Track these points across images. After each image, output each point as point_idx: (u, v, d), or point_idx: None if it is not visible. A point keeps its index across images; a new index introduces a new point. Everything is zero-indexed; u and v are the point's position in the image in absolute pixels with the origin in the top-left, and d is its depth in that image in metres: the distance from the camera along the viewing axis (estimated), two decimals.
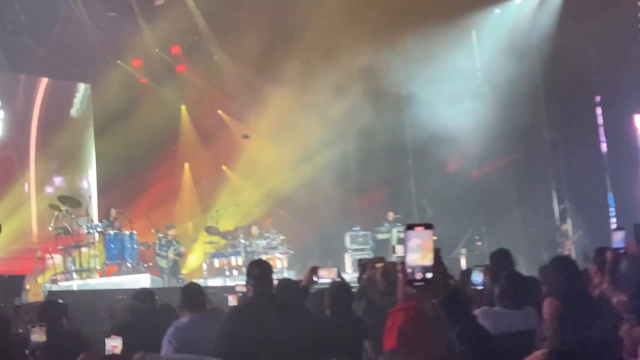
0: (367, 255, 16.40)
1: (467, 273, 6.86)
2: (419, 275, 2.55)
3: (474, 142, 17.77)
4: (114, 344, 4.41)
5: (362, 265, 6.58)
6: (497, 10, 17.86)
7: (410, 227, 2.56)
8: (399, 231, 17.05)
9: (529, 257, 15.50)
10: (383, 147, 18.26)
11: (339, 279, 6.02)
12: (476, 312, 5.09)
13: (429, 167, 17.55)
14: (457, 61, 17.34)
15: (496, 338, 4.51)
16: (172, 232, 16.81)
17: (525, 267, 12.04)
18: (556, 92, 17.00)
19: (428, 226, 2.56)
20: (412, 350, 3.80)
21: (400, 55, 17.05)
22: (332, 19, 17.22)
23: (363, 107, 17.45)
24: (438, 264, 2.59)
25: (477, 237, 17.90)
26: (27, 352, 4.19)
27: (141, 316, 6.39)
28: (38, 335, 4.19)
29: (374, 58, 17.06)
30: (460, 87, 17.22)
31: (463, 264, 15.70)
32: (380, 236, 17.40)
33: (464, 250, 17.01)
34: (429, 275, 2.55)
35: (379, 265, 6.15)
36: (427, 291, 2.63)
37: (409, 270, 2.55)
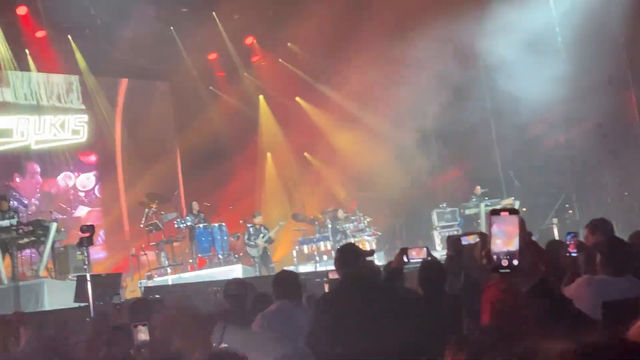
0: (456, 231, 16.20)
1: (557, 244, 6.64)
2: (504, 262, 2.44)
3: (557, 106, 17.24)
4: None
5: (451, 242, 6.45)
6: None
7: (495, 212, 2.45)
8: (486, 205, 16.75)
9: (623, 222, 14.99)
10: (464, 121, 17.91)
11: (429, 258, 5.92)
12: (579, 280, 4.93)
13: (514, 137, 17.14)
14: (534, 21, 16.78)
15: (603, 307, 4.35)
16: (258, 219, 16.93)
17: (620, 232, 11.63)
18: None
19: (513, 211, 2.44)
20: (506, 324, 3.69)
21: (477, 22, 16.62)
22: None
23: (441, 81, 17.14)
24: (527, 250, 2.48)
25: (567, 206, 17.42)
26: (131, 351, 4.25)
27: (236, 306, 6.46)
28: (142, 334, 4.24)
29: (451, 29, 16.71)
30: (538, 48, 16.68)
31: (555, 234, 15.31)
32: (468, 211, 17.11)
33: (555, 220, 16.59)
34: (515, 262, 2.43)
35: (472, 237, 6.02)
36: (514, 278, 2.52)
37: (494, 257, 2.44)
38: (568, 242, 5.86)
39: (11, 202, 14.48)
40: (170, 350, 6.09)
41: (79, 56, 19.73)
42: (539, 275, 2.52)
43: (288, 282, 5.92)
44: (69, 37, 19.32)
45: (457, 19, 16.35)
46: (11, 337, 6.42)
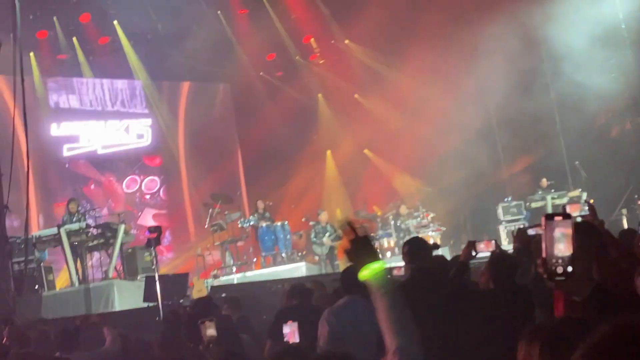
0: (522, 225, 15.95)
1: (631, 232, 6.48)
2: (559, 269, 2.37)
3: (622, 94, 16.83)
4: (289, 330, 4.46)
5: (518, 234, 6.35)
6: None
7: (548, 217, 2.38)
8: (553, 197, 16.44)
9: None
10: (527, 112, 17.60)
11: (497, 251, 5.84)
12: None
13: (579, 127, 16.79)
14: (599, 11, 16.43)
15: None
16: (323, 217, 16.94)
17: None
18: None
19: (567, 216, 2.36)
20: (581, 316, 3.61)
21: (540, 11, 16.35)
22: None
23: (503, 72, 16.89)
24: (581, 255, 2.40)
25: (636, 196, 16.96)
26: (200, 347, 4.32)
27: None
28: (210, 330, 4.30)
29: (517, 17, 16.46)
30: (604, 39, 16.32)
31: (625, 225, 14.95)
32: (534, 204, 16.81)
33: (624, 211, 16.18)
34: (569, 268, 2.36)
35: (539, 229, 5.91)
36: (568, 286, 2.44)
37: (549, 263, 2.37)
38: None
39: (80, 207, 14.80)
40: (237, 345, 6.17)
41: (138, 62, 20.04)
42: (591, 284, 2.43)
43: (354, 277, 5.90)
44: (131, 43, 19.66)
45: (524, 6, 16.13)
46: (96, 337, 6.60)
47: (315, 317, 5.99)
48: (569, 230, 2.37)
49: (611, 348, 1.44)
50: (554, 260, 2.36)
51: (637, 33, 16.07)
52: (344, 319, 5.44)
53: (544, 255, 2.37)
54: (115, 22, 18.98)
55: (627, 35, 16.66)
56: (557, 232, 2.36)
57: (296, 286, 6.85)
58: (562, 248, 2.36)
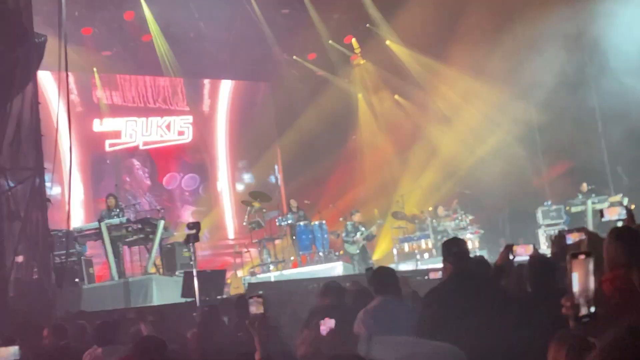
0: (562, 229, 15.77)
1: None
2: (584, 310, 2.33)
3: None
4: (328, 326, 4.48)
5: (556, 239, 6.30)
6: None
7: (573, 256, 2.33)
8: (593, 202, 16.23)
9: None
10: (569, 115, 17.40)
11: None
12: None
13: (622, 131, 16.53)
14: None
15: None
16: (357, 217, 16.98)
17: None
18: None
19: (588, 254, 2.32)
20: (619, 319, 3.57)
21: (587, 10, 16.15)
22: None
23: (546, 73, 16.72)
24: (607, 293, 2.35)
25: None
26: (246, 322, 4.40)
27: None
28: (256, 307, 4.37)
29: (552, 24, 16.33)
30: None
31: None
32: (574, 209, 16.61)
33: None
34: (592, 308, 2.32)
35: (577, 235, 5.87)
36: (592, 329, 2.38)
37: (573, 304, 2.33)
38: None
39: (120, 202, 15.00)
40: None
41: (172, 58, 20.17)
42: (624, 322, 2.37)
43: (387, 278, 5.91)
44: (171, 40, 19.83)
45: (571, 6, 15.95)
46: (134, 332, 6.68)
47: (349, 317, 6.02)
48: (590, 268, 2.32)
49: (624, 349, 1.44)
50: (580, 301, 2.32)
51: None
52: (379, 320, 5.45)
53: (573, 296, 2.33)
54: (158, 20, 19.16)
55: None
56: (581, 271, 2.32)
57: (329, 284, 6.85)
58: (586, 288, 2.31)
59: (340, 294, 6.75)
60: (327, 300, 6.66)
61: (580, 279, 2.32)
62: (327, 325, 4.41)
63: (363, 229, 16.80)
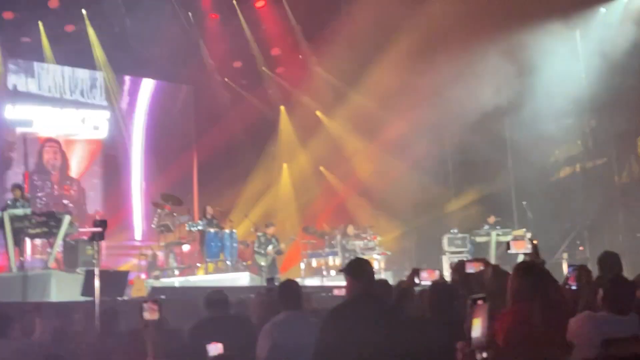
0: (465, 257, 16.13)
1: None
2: (478, 356, 2.41)
3: (575, 140, 17.27)
4: (215, 350, 4.47)
5: (456, 267, 6.47)
6: (602, 9, 17.26)
7: (473, 301, 2.40)
8: (497, 234, 16.70)
9: (632, 263, 14.92)
10: (482, 147, 17.90)
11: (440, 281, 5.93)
12: (580, 315, 4.93)
13: (529, 168, 17.12)
14: (560, 62, 16.85)
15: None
16: (271, 230, 16.98)
17: (629, 273, 11.56)
18: None
19: (484, 299, 2.40)
20: (519, 352, 3.70)
21: (500, 56, 16.70)
22: (429, 22, 17.09)
23: (462, 105, 17.16)
24: (492, 338, 2.43)
25: (578, 242, 17.32)
26: (140, 327, 4.34)
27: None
28: (149, 313, 4.31)
29: (473, 58, 16.80)
30: (562, 87, 16.74)
31: (565, 269, 15.21)
32: (478, 239, 17.04)
33: (565, 255, 16.49)
34: (485, 354, 2.40)
35: (477, 265, 6.04)
36: None
37: (472, 350, 2.40)
38: (569, 275, 5.91)
39: (27, 193, 14.57)
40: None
41: (102, 53, 19.85)
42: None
43: (295, 292, 5.93)
44: (97, 33, 19.48)
45: (492, 49, 16.43)
46: (25, 326, 6.49)
47: (234, 328, 6.02)
48: (485, 316, 2.38)
49: None
50: (473, 345, 2.38)
51: (595, 85, 16.49)
52: (286, 334, 5.45)
53: (468, 341, 2.38)
54: (84, 11, 18.81)
55: (586, 85, 17.06)
56: (477, 317, 2.37)
57: (211, 296, 6.77)
58: (483, 333, 2.36)
59: (224, 305, 6.68)
60: (211, 311, 6.61)
61: (481, 324, 2.37)
62: (215, 350, 4.39)
63: (275, 242, 16.81)
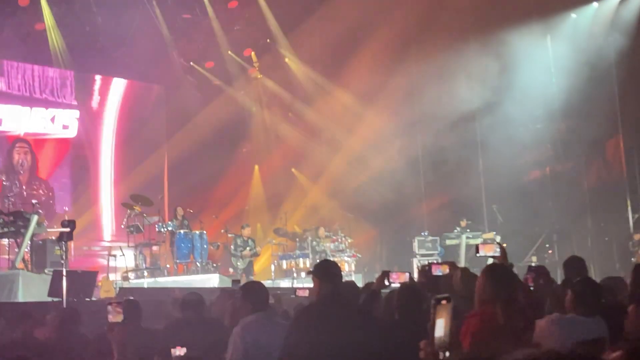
0: (435, 260, 16.22)
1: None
2: (441, 355, 2.42)
3: (546, 147, 17.45)
4: (179, 354, 4.47)
5: (423, 270, 6.49)
6: (573, 15, 17.47)
7: (437, 301, 2.40)
8: (467, 237, 16.81)
9: (601, 267, 15.12)
10: (453, 152, 18.03)
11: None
12: (549, 317, 4.98)
13: (500, 172, 17.26)
14: (531, 66, 17.02)
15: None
16: (246, 231, 16.98)
17: (597, 276, 11.71)
18: (633, 99, 16.50)
19: (448, 299, 2.40)
20: (484, 352, 3.72)
21: (474, 59, 16.84)
22: (404, 22, 17.17)
23: (433, 111, 17.26)
24: (455, 339, 2.45)
25: (547, 245, 17.50)
26: (105, 328, 4.32)
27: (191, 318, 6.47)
28: (113, 315, 4.29)
29: (447, 60, 16.92)
30: (534, 92, 16.92)
31: None
32: (449, 242, 17.15)
33: (534, 258, 16.65)
34: (447, 354, 2.41)
35: (444, 267, 6.09)
36: None
37: (435, 350, 2.41)
38: (527, 276, 6.02)
39: None
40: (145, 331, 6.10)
41: (65, 51, 19.62)
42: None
43: (262, 294, 5.91)
44: (66, 31, 19.28)
45: (468, 49, 16.54)
46: None
47: (211, 329, 6.01)
48: (449, 316, 2.39)
49: None
50: (436, 345, 2.38)
51: (566, 89, 16.66)
52: (256, 335, 5.44)
53: (430, 340, 2.38)
54: (54, 9, 18.59)
55: (557, 90, 17.24)
56: (445, 317, 2.37)
57: (188, 298, 6.79)
58: (446, 333, 2.37)
59: (200, 307, 6.69)
60: (187, 313, 6.60)
61: (445, 324, 2.38)
62: (177, 352, 4.38)
63: (252, 244, 16.80)
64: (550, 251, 17.48)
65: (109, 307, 4.38)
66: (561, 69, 17.07)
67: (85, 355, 5.80)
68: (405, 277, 5.88)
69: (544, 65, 17.51)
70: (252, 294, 5.77)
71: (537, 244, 17.26)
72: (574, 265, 6.74)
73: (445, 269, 5.97)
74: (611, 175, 17.24)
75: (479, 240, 16.51)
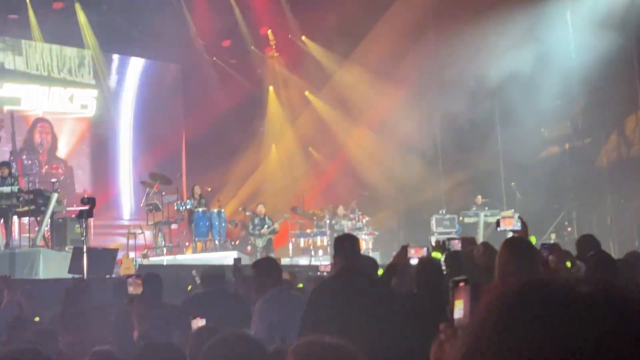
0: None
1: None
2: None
3: (566, 124, 17.32)
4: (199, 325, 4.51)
5: (436, 246, 6.50)
6: None
7: (455, 283, 2.37)
8: (486, 215, 16.74)
9: (620, 245, 15.02)
10: (471, 129, 17.93)
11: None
12: None
13: (519, 149, 17.14)
14: (550, 42, 16.85)
15: None
16: (260, 209, 17.00)
17: (616, 254, 11.65)
18: None
19: (466, 281, 2.37)
20: None
21: (491, 36, 16.68)
22: None
23: (451, 88, 17.16)
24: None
25: (566, 223, 17.39)
26: (125, 300, 4.37)
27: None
28: (133, 287, 4.34)
29: (463, 38, 16.78)
30: (553, 67, 16.75)
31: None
32: (467, 220, 17.08)
33: (553, 236, 16.56)
34: None
35: (458, 243, 6.10)
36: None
37: (455, 333, 2.39)
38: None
39: (15, 172, 14.50)
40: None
41: (91, 31, 19.72)
42: None
43: (277, 270, 5.95)
44: (85, 11, 19.33)
45: (484, 24, 16.40)
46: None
47: (231, 304, 6.05)
48: (468, 297, 2.36)
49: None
50: (456, 326, 2.36)
51: (586, 65, 16.49)
52: (279, 309, 5.47)
53: (450, 323, 2.37)
54: None
55: (576, 65, 17.06)
56: (464, 299, 2.35)
57: (208, 271, 6.86)
58: (465, 315, 2.35)
59: (220, 281, 6.75)
60: (207, 287, 6.66)
61: (464, 305, 2.36)
62: (197, 324, 4.43)
63: (269, 222, 16.83)
64: (569, 229, 17.39)
65: (129, 280, 4.43)
66: (581, 44, 16.87)
67: (92, 325, 5.84)
68: (423, 252, 5.90)
69: (564, 41, 17.31)
70: (267, 270, 5.80)
71: (557, 222, 17.17)
72: (585, 241, 6.76)
73: (458, 245, 5.98)
74: (631, 151, 17.08)
75: (497, 218, 16.44)
